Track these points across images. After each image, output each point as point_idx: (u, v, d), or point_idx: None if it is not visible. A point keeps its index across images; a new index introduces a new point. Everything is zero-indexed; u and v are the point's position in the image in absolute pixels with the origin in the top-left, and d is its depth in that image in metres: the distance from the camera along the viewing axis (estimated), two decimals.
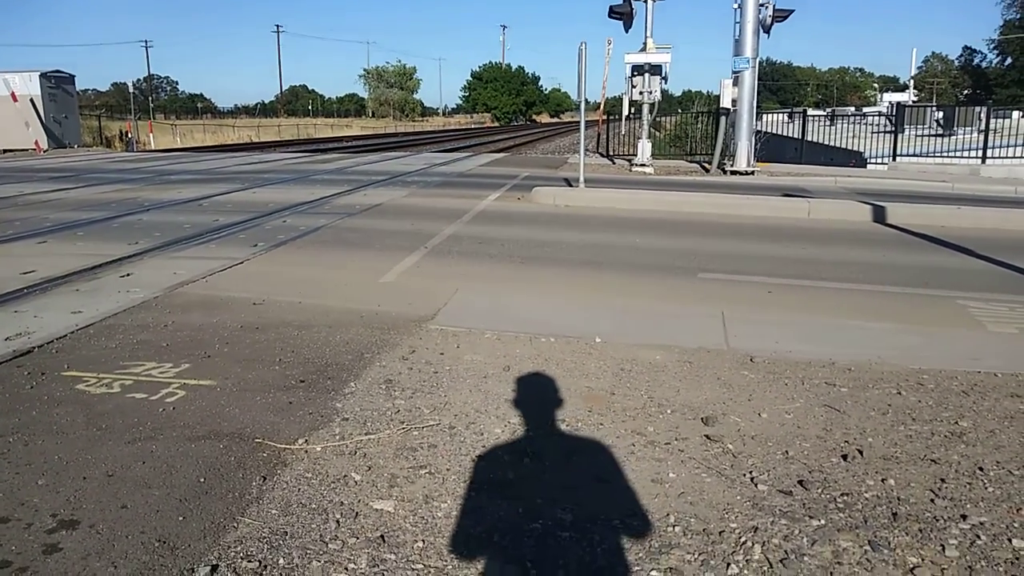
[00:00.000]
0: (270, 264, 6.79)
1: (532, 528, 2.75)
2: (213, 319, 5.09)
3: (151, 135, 31.82)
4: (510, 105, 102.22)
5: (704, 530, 2.74)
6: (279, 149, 30.38)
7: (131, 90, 34.69)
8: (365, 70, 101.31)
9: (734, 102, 15.74)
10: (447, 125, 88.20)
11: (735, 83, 15.74)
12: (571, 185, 12.71)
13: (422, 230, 8.51)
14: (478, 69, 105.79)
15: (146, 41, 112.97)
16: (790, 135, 22.89)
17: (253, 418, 3.59)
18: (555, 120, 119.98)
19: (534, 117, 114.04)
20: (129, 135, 28.92)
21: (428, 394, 3.90)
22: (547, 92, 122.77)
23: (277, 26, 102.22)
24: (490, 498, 2.93)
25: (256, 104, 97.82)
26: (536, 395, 3.90)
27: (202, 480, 3.04)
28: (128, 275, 6.31)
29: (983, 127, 19.05)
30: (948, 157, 18.98)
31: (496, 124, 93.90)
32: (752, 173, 15.96)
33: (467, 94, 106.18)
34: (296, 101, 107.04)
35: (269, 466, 3.16)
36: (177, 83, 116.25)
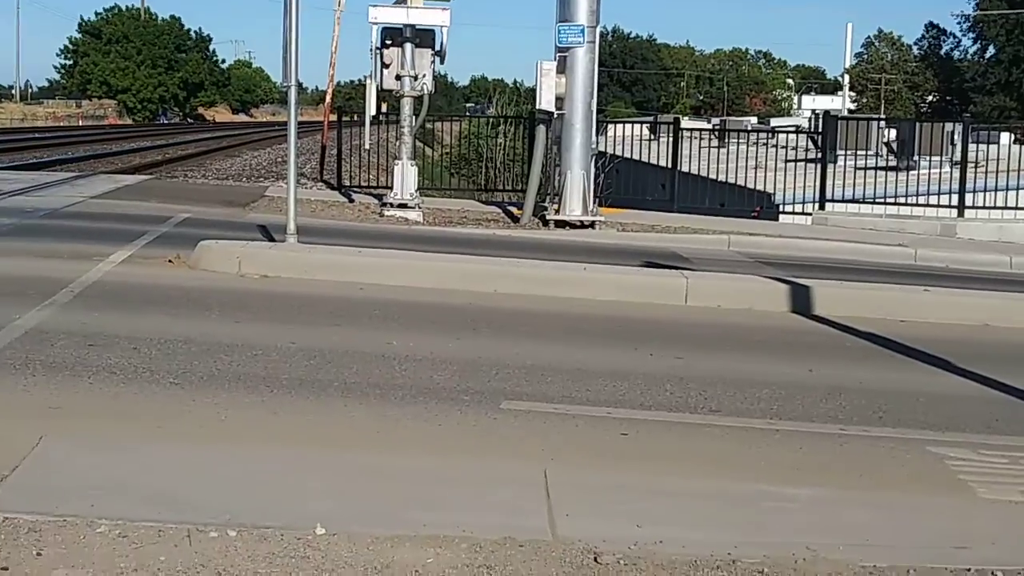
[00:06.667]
0: None
1: None
2: None
3: None
4: (155, 87, 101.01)
5: None
6: None
7: None
8: None
9: (560, 101, 16.65)
10: (31, 119, 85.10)
11: (561, 69, 16.70)
12: (273, 239, 12.64)
13: None
14: (93, 19, 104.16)
15: None
16: (653, 161, 24.50)
17: None
18: (242, 119, 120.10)
19: (202, 111, 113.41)
20: None
21: None
22: (227, 68, 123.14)
23: None
24: None
25: None
26: None
27: None
28: None
29: (958, 157, 21.37)
30: (906, 204, 21.09)
31: (130, 121, 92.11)
32: (593, 225, 16.86)
33: (71, 63, 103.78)
34: None
35: None
36: None
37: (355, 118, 24.17)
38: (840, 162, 23.20)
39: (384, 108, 21.27)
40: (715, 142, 28.38)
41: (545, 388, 7.22)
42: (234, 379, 7.00)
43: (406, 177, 17.19)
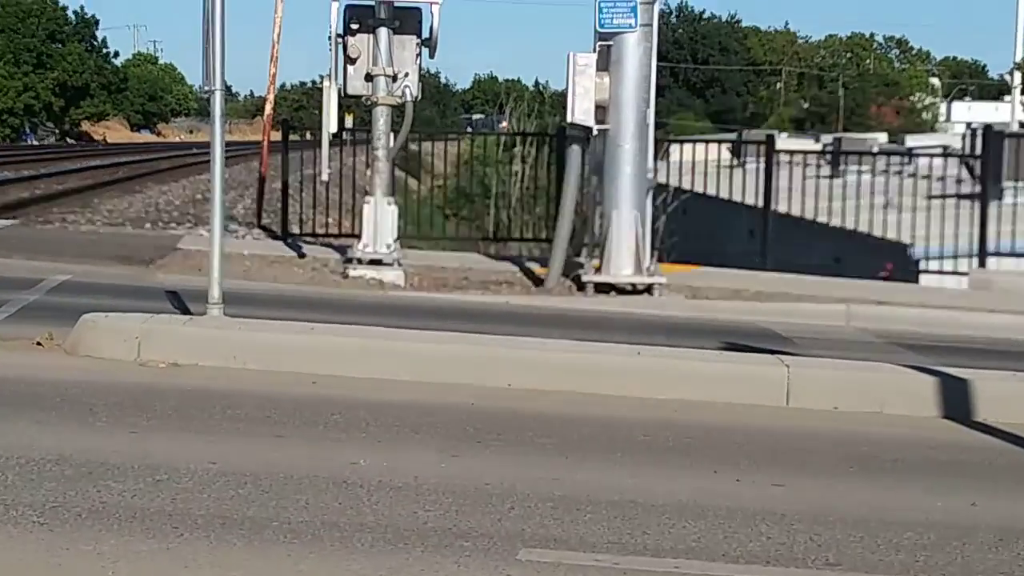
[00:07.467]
0: None
1: None
2: None
3: None
4: (18, 93, 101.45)
5: None
6: None
7: None
8: None
9: (602, 111, 16.70)
10: None
11: (603, 64, 16.75)
12: (188, 311, 12.66)
13: None
14: None
15: None
16: (737, 198, 24.53)
17: None
18: (146, 138, 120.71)
19: (88, 127, 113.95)
20: None
21: None
22: (123, 65, 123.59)
23: None
24: None
25: None
26: None
27: None
28: None
29: None
30: None
31: None
32: (650, 290, 16.87)
33: None
34: None
35: None
36: None
37: (308, 136, 24.32)
38: (1008, 199, 23.19)
39: (349, 122, 21.32)
40: (826, 170, 28.41)
41: (582, 530, 7.15)
42: (127, 516, 6.94)
43: (381, 221, 17.25)
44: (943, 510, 8.01)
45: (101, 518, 6.91)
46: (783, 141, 29.83)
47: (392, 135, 17.26)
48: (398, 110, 17.15)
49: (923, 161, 30.45)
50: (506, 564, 6.53)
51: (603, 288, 16.72)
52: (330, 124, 17.87)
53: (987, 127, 28.06)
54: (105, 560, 6.30)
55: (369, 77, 16.73)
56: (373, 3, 16.53)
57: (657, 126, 17.37)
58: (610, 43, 16.61)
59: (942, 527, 7.60)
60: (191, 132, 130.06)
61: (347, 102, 18.67)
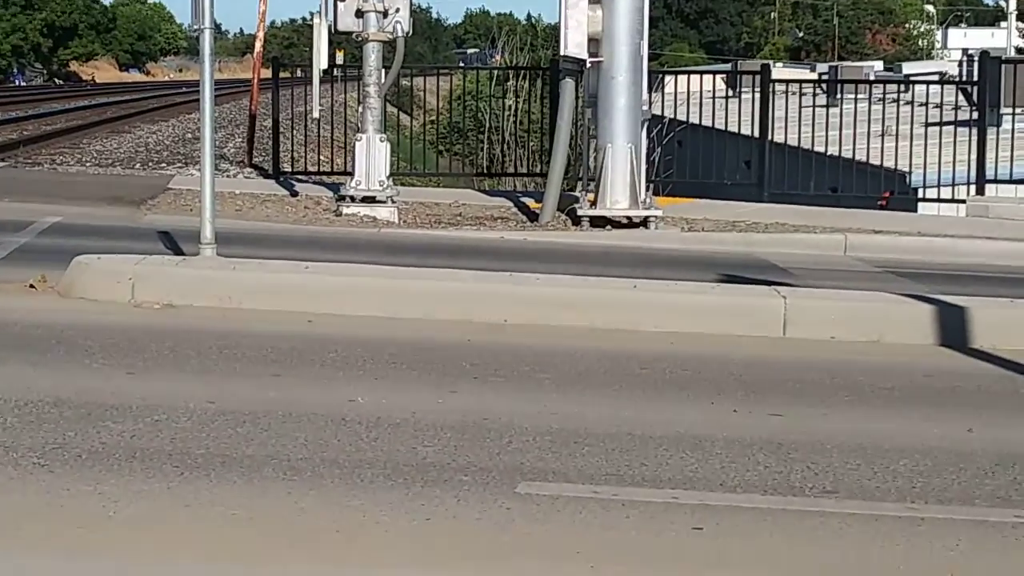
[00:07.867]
0: None
1: None
2: None
3: None
4: (7, 33, 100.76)
5: None
6: None
7: None
8: None
9: (595, 44, 16.64)
10: None
11: None
12: (181, 251, 12.67)
13: None
14: None
15: None
16: (732, 128, 24.44)
17: None
18: (135, 78, 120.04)
19: (76, 67, 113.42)
20: None
21: None
22: (111, 5, 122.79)
23: None
24: None
25: None
26: None
27: None
28: None
29: None
30: None
31: None
32: (645, 223, 16.85)
33: None
34: None
35: None
36: None
37: (298, 74, 24.22)
38: (1006, 125, 23.12)
39: (340, 59, 21.28)
40: (822, 99, 28.32)
41: (580, 462, 7.19)
42: (126, 457, 6.97)
43: (374, 158, 17.21)
44: (940, 437, 8.05)
45: (101, 459, 6.95)
46: (778, 71, 29.74)
47: (383, 71, 17.21)
48: (389, 46, 17.09)
49: (920, 89, 30.26)
50: (505, 497, 6.56)
51: (598, 222, 16.70)
52: (321, 61, 17.83)
53: (984, 53, 27.99)
54: (106, 500, 6.33)
55: (360, 13, 16.66)
56: None
57: (650, 58, 17.28)
58: None
59: (939, 453, 7.64)
60: (180, 71, 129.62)
61: (338, 39, 18.63)
